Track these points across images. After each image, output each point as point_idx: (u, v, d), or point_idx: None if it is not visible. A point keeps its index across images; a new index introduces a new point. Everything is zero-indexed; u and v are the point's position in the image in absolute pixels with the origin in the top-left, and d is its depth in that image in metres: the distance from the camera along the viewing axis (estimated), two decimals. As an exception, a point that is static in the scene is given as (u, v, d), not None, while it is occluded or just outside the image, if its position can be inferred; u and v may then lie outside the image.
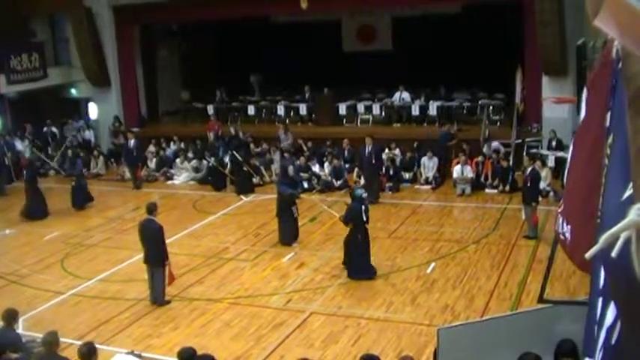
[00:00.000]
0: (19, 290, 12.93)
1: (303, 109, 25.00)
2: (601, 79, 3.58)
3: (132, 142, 21.61)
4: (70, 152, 22.11)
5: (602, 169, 2.97)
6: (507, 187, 17.92)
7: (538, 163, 16.85)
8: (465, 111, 23.72)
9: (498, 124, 22.03)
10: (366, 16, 27.57)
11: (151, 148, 23.19)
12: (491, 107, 23.14)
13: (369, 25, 27.85)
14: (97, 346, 7.79)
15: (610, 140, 2.85)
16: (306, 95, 25.40)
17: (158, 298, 11.72)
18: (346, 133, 22.51)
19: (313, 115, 24.75)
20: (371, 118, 24.20)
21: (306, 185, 19.26)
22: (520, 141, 19.69)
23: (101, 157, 23.08)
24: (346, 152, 21.19)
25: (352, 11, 26.99)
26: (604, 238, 1.84)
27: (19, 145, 23.81)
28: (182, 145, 23.10)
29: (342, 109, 24.27)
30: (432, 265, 13.03)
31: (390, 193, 18.57)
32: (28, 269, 14.06)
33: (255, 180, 20.05)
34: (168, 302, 11.81)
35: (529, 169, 14.68)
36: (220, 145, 22.11)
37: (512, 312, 10.01)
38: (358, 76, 25.84)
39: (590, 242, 2.45)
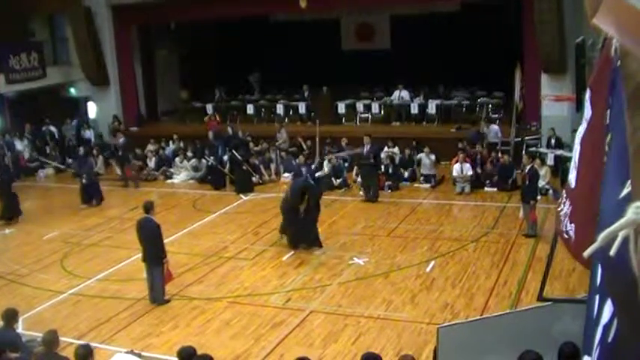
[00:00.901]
0: (19, 290, 12.92)
1: (302, 108, 25.02)
2: (601, 78, 3.58)
3: (120, 140, 21.64)
4: (81, 150, 22.04)
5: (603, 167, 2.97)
6: (509, 184, 17.87)
7: (537, 162, 16.88)
8: (464, 109, 23.77)
9: (497, 122, 22.04)
10: (364, 15, 27.57)
11: (151, 147, 23.19)
12: (490, 105, 23.21)
13: (367, 23, 27.85)
14: (97, 345, 7.82)
15: (608, 138, 2.85)
16: (305, 94, 25.41)
17: (158, 298, 11.72)
18: (345, 131, 22.52)
19: (312, 114, 24.77)
20: (370, 117, 24.22)
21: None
22: (519, 139, 19.73)
23: (100, 157, 23.03)
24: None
25: (351, 10, 26.99)
26: (602, 236, 1.84)
27: (19, 145, 23.81)
28: (181, 145, 23.10)
29: (341, 107, 24.29)
30: (432, 263, 13.03)
31: (390, 191, 18.57)
32: (27, 269, 14.05)
33: (255, 179, 20.05)
34: (168, 301, 11.80)
35: (528, 167, 14.70)
36: (220, 144, 22.11)
37: (511, 310, 10.01)
38: (357, 75, 25.83)
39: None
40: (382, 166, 19.11)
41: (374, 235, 14.89)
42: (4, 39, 23.05)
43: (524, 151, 18.09)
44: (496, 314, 8.99)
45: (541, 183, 16.87)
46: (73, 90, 26.49)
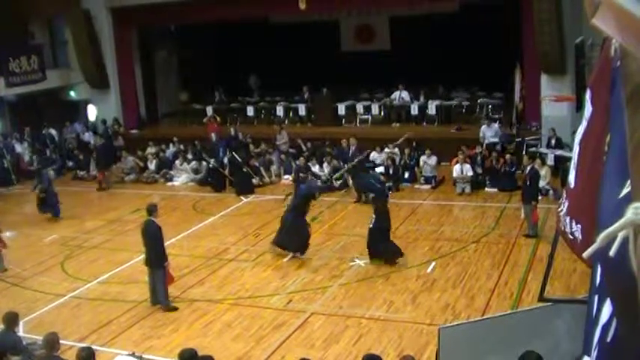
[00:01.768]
0: (20, 293, 12.92)
1: (302, 109, 25.04)
2: (601, 78, 3.59)
3: (99, 143, 21.78)
4: (35, 164, 20.86)
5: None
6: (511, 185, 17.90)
7: (538, 162, 16.90)
8: (464, 110, 23.77)
9: (498, 122, 22.04)
10: (364, 16, 27.57)
11: (151, 149, 23.20)
12: (490, 106, 23.21)
13: (367, 25, 27.87)
14: (98, 348, 7.82)
15: (608, 138, 2.85)
16: (305, 96, 25.42)
17: (162, 301, 11.66)
18: (345, 133, 22.51)
19: (312, 116, 24.78)
20: (370, 118, 24.22)
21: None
22: (519, 139, 19.73)
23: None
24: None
25: (350, 11, 26.99)
26: (601, 236, 1.84)
27: (19, 148, 23.84)
28: (181, 147, 23.10)
29: (341, 109, 24.30)
30: (433, 264, 13.02)
31: (390, 192, 18.52)
32: (28, 272, 14.05)
33: (255, 181, 20.06)
34: (175, 308, 11.61)
35: (528, 167, 14.69)
36: (221, 146, 22.12)
37: (512, 311, 10.01)
38: (357, 76, 25.85)
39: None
40: (383, 167, 19.12)
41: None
42: (3, 42, 23.09)
43: (524, 152, 18.10)
44: (497, 315, 8.99)
45: (541, 183, 16.87)
46: (72, 93, 26.52)
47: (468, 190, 18.11)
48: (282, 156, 21.44)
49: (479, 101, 23.54)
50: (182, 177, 21.58)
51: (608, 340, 2.18)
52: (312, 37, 26.34)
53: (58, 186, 19.07)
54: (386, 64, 25.60)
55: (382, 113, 24.38)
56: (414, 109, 23.60)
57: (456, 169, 18.32)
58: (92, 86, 25.59)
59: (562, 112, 19.44)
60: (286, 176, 20.61)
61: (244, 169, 19.75)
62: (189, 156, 22.15)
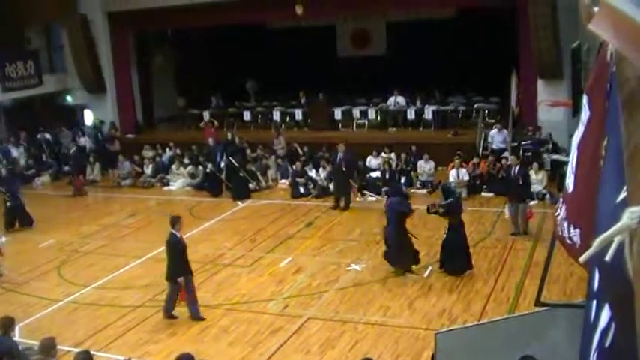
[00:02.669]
0: (16, 298, 12.89)
1: (298, 114, 25.06)
2: (598, 83, 3.59)
3: (73, 149, 21.89)
4: (3, 171, 20.06)
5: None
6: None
7: (535, 166, 17.01)
8: (460, 115, 23.80)
9: (494, 127, 22.07)
10: (360, 22, 27.63)
11: (148, 153, 23.18)
12: (486, 111, 23.23)
13: (363, 30, 27.90)
14: (95, 353, 7.79)
15: (605, 142, 2.85)
16: (302, 100, 25.45)
17: (168, 307, 11.37)
18: (342, 138, 22.50)
19: (309, 121, 24.80)
20: (367, 123, 24.24)
21: (302, 190, 19.28)
22: (516, 144, 19.74)
23: (97, 164, 23.04)
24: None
25: (346, 17, 27.04)
26: (597, 241, 1.84)
27: (15, 152, 23.81)
28: (178, 152, 23.08)
29: (338, 113, 24.33)
30: (429, 269, 13.01)
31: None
32: (24, 276, 14.01)
33: (252, 185, 20.04)
34: (175, 317, 11.39)
35: (516, 168, 14.93)
36: (218, 150, 22.11)
37: (509, 315, 10.01)
38: (353, 81, 25.88)
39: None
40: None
41: (371, 241, 14.87)
42: (0, 47, 23.04)
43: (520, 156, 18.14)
44: (494, 319, 9.00)
45: (538, 188, 16.95)
46: (69, 97, 26.49)
47: (464, 194, 18.09)
48: (279, 160, 21.44)
49: (475, 106, 23.57)
50: (178, 182, 21.56)
51: (607, 344, 2.18)
52: (309, 42, 26.36)
53: (54, 191, 19.07)
54: (382, 69, 25.64)
55: (379, 118, 24.39)
56: (411, 114, 23.64)
57: (452, 174, 18.33)
58: (89, 91, 25.56)
59: (558, 116, 19.47)
60: (283, 181, 20.60)
61: (241, 174, 19.74)
62: (186, 160, 22.13)
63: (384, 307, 11.43)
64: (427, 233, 15.32)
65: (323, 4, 22.51)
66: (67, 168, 23.57)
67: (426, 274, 12.76)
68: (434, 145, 20.76)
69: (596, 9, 1.93)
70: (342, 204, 17.71)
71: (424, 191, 19.01)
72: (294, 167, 19.92)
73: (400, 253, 12.79)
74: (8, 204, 17.56)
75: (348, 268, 13.31)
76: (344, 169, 17.97)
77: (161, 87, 28.17)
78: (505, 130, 20.40)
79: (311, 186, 19.52)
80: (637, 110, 1.99)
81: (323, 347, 10.08)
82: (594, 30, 1.91)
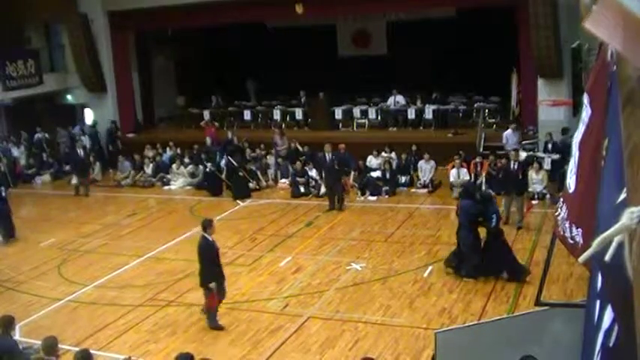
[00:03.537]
0: (16, 297, 12.89)
1: (298, 113, 25.05)
2: (598, 82, 3.59)
3: (79, 150, 21.92)
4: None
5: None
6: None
7: (535, 166, 17.04)
8: (460, 114, 23.78)
9: (494, 127, 22.08)
10: (361, 21, 27.60)
11: (148, 153, 23.18)
12: (487, 110, 23.21)
13: (364, 29, 27.86)
14: (95, 352, 7.79)
15: (606, 142, 2.85)
16: (302, 100, 25.43)
17: (210, 321, 10.93)
18: (342, 137, 22.49)
19: (309, 120, 24.79)
20: (367, 123, 24.23)
21: (302, 190, 19.28)
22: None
23: (97, 164, 23.03)
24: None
25: (347, 16, 27.02)
26: (597, 241, 1.84)
27: (15, 152, 23.81)
28: (178, 151, 23.07)
29: (338, 113, 24.32)
30: (429, 268, 13.01)
31: (387, 197, 18.55)
32: (24, 276, 14.02)
33: (252, 185, 20.03)
34: (220, 328, 10.86)
35: (514, 162, 15.14)
36: (217, 150, 22.10)
37: (509, 315, 10.01)
38: (354, 81, 25.86)
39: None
40: (380, 172, 19.14)
41: (371, 241, 14.89)
42: (0, 46, 23.05)
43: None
44: (494, 319, 9.00)
45: (538, 187, 16.95)
46: (69, 97, 26.47)
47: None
48: (279, 159, 21.42)
49: (475, 105, 23.55)
50: (179, 181, 21.56)
51: (611, 345, 2.18)
52: (309, 41, 26.35)
53: (55, 190, 19.06)
54: (383, 68, 25.62)
55: (379, 117, 24.39)
56: (411, 114, 23.62)
57: (453, 174, 18.32)
58: (89, 90, 25.54)
59: (559, 116, 19.47)
60: (283, 180, 20.59)
61: (241, 173, 19.73)
62: (186, 160, 22.13)
63: (385, 306, 11.43)
64: (427, 232, 15.35)
65: (323, 4, 22.51)
66: (67, 167, 23.55)
67: (426, 274, 12.75)
68: (434, 144, 20.74)
69: (595, 8, 1.92)
70: (336, 204, 17.60)
71: (424, 191, 19.00)
72: (294, 167, 19.90)
73: (471, 258, 12.32)
74: None
75: (348, 268, 13.30)
76: (336, 167, 17.94)
77: (161, 86, 28.18)
78: (518, 131, 20.11)
79: (312, 183, 19.51)
80: (637, 109, 1.99)
81: (323, 346, 10.08)
82: (590, 28, 1.90)
